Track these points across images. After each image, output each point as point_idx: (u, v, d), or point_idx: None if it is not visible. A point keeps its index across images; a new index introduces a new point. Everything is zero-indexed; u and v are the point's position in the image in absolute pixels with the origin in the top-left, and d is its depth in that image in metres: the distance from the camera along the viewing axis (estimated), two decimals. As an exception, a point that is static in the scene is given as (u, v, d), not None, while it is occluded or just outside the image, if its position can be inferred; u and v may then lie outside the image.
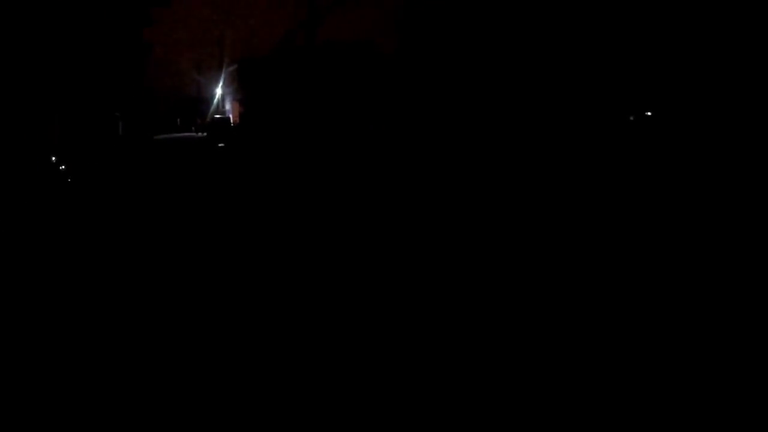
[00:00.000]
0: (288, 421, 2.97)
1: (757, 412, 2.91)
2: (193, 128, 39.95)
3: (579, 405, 3.02)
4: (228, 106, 38.52)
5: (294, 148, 23.26)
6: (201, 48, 35.13)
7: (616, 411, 2.95)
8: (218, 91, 38.13)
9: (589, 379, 3.29)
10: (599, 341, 3.85)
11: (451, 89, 22.50)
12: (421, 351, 3.77)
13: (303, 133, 25.63)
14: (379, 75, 26.02)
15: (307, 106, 27.24)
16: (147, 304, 4.95)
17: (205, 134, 32.47)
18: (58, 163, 12.43)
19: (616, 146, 16.11)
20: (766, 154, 11.64)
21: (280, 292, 5.22)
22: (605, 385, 3.21)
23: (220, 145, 28.15)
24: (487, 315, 4.45)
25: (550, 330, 4.07)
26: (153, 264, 6.37)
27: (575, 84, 19.36)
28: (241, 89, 34.31)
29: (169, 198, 11.92)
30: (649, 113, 17.16)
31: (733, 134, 13.78)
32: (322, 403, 3.12)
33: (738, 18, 15.45)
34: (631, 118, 17.53)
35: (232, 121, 33.75)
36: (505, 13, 21.39)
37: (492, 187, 11.52)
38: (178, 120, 41.71)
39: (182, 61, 34.82)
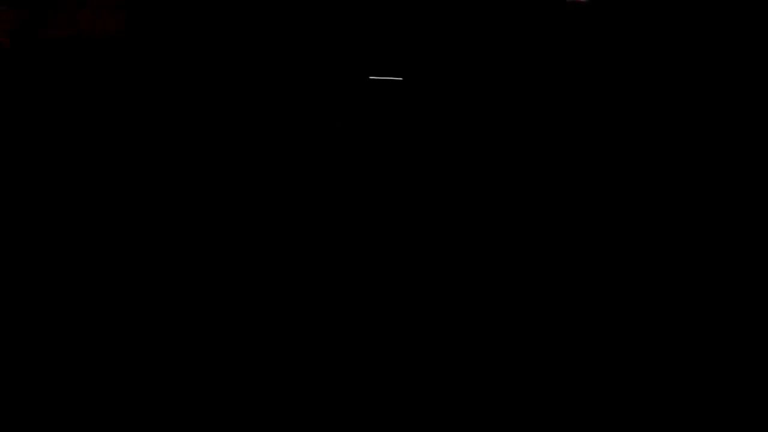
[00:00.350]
0: (287, 421, 2.92)
1: (757, 412, 2.93)
2: None
3: (578, 405, 3.02)
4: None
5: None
6: None
7: (615, 411, 2.95)
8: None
9: (588, 379, 3.29)
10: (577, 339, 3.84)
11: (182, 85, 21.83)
12: (419, 351, 3.73)
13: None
14: (103, 72, 25.00)
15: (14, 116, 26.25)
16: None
17: None
18: None
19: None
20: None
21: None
22: (604, 385, 3.21)
23: None
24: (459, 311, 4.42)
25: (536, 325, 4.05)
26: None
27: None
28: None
29: None
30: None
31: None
32: (322, 403, 3.07)
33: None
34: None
35: None
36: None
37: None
38: None
39: None
